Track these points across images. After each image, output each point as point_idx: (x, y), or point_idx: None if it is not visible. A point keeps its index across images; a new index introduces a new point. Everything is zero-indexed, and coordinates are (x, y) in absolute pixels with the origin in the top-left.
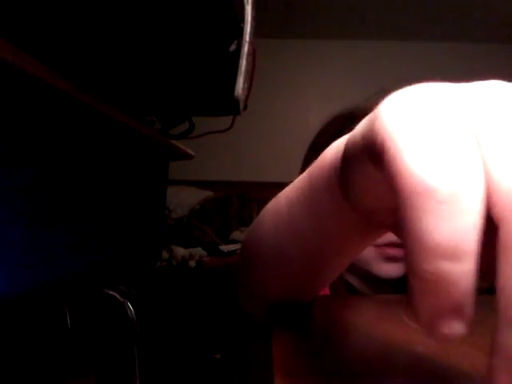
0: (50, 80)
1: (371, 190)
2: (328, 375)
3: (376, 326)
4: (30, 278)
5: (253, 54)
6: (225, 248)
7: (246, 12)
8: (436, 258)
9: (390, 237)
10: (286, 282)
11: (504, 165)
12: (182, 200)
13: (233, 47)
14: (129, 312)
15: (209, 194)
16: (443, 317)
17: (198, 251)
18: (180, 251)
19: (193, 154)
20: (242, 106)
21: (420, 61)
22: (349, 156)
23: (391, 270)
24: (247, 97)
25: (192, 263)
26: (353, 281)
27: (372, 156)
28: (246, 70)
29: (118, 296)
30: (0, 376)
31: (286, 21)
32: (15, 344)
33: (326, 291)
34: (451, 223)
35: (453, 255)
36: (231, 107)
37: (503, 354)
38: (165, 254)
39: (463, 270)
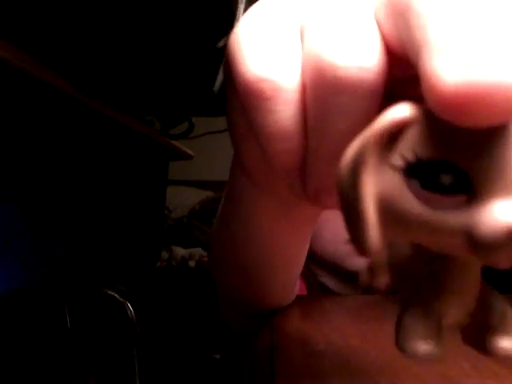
0: (50, 80)
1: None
2: (327, 376)
3: (375, 326)
4: (28, 276)
5: None
6: None
7: (239, 11)
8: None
9: None
10: (241, 273)
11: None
12: (182, 200)
13: None
14: (128, 312)
15: (209, 194)
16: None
17: (198, 251)
18: (180, 251)
19: (192, 154)
20: None
21: None
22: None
23: (365, 261)
24: None
25: (192, 263)
26: (329, 282)
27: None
28: None
29: (117, 296)
30: (0, 376)
31: None
32: (15, 344)
33: (303, 291)
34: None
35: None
36: None
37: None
38: (165, 254)
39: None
